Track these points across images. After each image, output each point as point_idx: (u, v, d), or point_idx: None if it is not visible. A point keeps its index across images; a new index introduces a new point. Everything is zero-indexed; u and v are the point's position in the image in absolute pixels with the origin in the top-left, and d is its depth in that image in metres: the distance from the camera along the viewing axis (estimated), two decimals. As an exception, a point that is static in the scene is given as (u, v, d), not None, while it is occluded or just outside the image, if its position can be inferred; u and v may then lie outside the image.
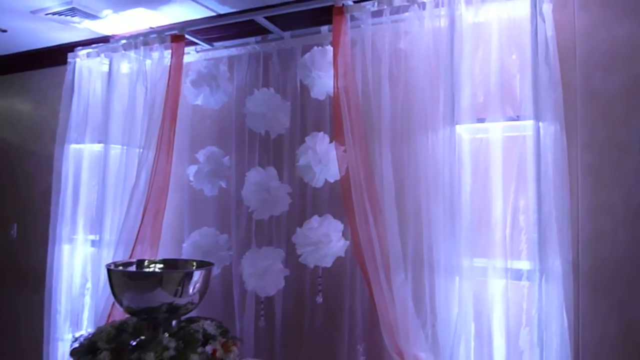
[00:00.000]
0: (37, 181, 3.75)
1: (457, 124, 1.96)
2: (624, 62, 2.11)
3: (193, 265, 1.97)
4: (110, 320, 2.53)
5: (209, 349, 1.64)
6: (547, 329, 1.79)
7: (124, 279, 1.72)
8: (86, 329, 2.82)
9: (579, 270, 2.02)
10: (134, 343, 1.63)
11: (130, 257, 2.56)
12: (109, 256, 2.72)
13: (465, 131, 2.02)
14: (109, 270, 1.74)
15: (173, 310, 1.69)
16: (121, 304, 1.72)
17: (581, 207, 2.08)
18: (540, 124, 1.84)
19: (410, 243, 2.10)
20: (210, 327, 1.76)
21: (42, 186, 3.71)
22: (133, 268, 2.07)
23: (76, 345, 2.36)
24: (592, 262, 2.06)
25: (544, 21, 1.94)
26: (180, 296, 1.68)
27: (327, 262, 2.34)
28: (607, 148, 2.12)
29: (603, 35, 2.14)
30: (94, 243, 2.89)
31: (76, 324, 2.89)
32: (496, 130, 1.97)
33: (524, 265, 1.91)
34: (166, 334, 1.64)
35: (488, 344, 1.91)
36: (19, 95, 3.93)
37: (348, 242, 2.35)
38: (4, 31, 3.30)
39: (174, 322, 1.73)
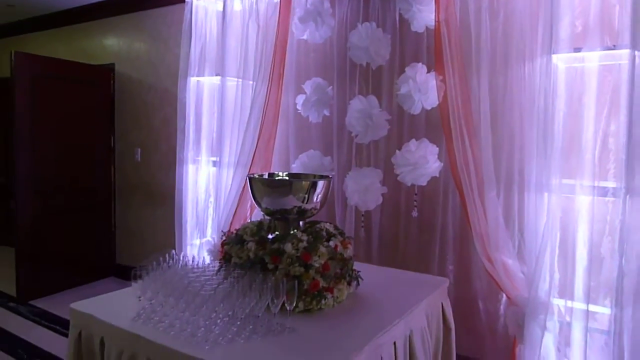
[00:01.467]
0: (156, 111, 4.27)
1: (554, 53, 2.10)
2: None
3: (314, 178, 2.31)
4: (231, 228, 3.04)
5: (332, 243, 2.02)
6: (628, 238, 2.00)
7: (263, 186, 2.11)
8: (210, 235, 3.35)
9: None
10: (271, 237, 2.04)
11: (248, 176, 2.98)
12: (228, 175, 3.18)
13: (561, 60, 2.15)
14: (250, 179, 2.13)
15: (301, 212, 2.07)
16: (260, 206, 2.12)
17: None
18: (637, 52, 1.95)
19: (503, 164, 2.34)
20: (330, 228, 2.13)
21: (160, 115, 4.24)
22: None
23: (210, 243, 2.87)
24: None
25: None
26: (307, 202, 2.05)
27: (423, 182, 2.63)
28: None
29: None
30: (214, 164, 3.34)
31: (202, 232, 3.41)
32: (592, 59, 2.09)
33: (611, 184, 2.10)
34: (297, 231, 2.03)
35: (572, 252, 2.16)
36: (136, 33, 4.39)
37: (442, 164, 2.62)
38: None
39: (301, 223, 2.12)
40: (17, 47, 4.89)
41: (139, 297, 1.84)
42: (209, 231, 3.40)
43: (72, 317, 1.90)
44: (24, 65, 3.92)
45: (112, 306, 1.90)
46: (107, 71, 4.58)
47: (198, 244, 3.40)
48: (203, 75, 3.33)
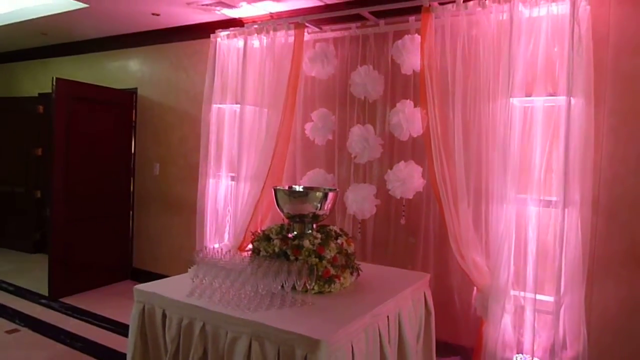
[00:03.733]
0: (174, 130, 4.84)
1: (511, 97, 2.73)
2: (646, 48, 2.79)
3: (324, 191, 2.87)
4: (246, 233, 3.60)
5: (339, 241, 2.58)
6: (566, 240, 2.62)
7: (286, 195, 2.67)
8: (228, 240, 3.90)
9: (598, 202, 2.81)
10: (291, 235, 2.60)
11: (263, 189, 3.56)
12: (245, 188, 3.74)
13: (516, 101, 2.78)
14: (276, 190, 2.70)
15: (315, 217, 2.63)
16: (282, 211, 2.69)
17: (603, 158, 2.84)
18: (571, 98, 2.59)
19: (472, 180, 2.94)
20: (337, 229, 2.70)
21: (179, 134, 4.80)
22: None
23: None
24: (608, 197, 2.85)
25: (580, 20, 2.63)
26: (320, 209, 2.62)
27: (409, 195, 3.24)
28: (629, 114, 2.85)
29: (631, 27, 2.82)
30: (232, 178, 3.90)
31: (221, 236, 3.96)
32: (539, 102, 2.74)
33: (553, 197, 2.72)
34: (312, 231, 2.60)
35: (524, 250, 2.77)
36: (159, 61, 4.97)
37: (425, 181, 3.23)
38: (157, 15, 4.28)
39: (314, 225, 2.68)
40: (42, 69, 5.44)
41: (193, 279, 2.39)
42: (226, 236, 3.95)
43: (136, 295, 2.42)
44: (63, 90, 4.46)
45: (170, 286, 2.45)
46: (130, 94, 5.15)
47: (218, 247, 3.94)
48: (225, 103, 3.91)
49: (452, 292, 3.23)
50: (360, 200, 3.36)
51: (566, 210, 2.63)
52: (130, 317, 2.42)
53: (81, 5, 4.00)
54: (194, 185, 4.11)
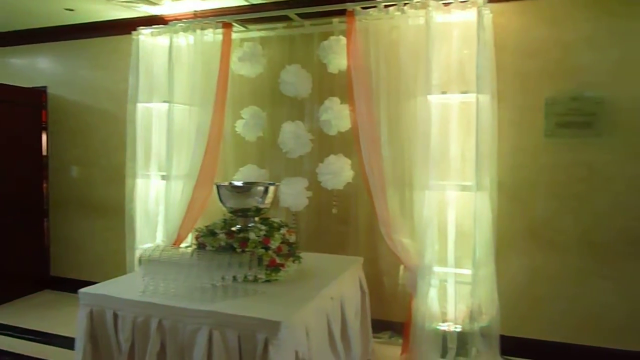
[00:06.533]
0: (95, 131, 4.67)
1: (428, 94, 3.04)
2: (536, 52, 3.25)
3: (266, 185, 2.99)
4: (180, 232, 3.64)
5: (282, 231, 2.73)
6: (479, 220, 2.99)
7: (229, 191, 2.77)
8: (161, 240, 3.88)
9: (502, 185, 3.22)
10: (235, 229, 2.70)
11: (195, 187, 3.60)
12: (177, 187, 3.75)
13: (434, 99, 3.10)
14: (218, 186, 2.78)
15: (257, 210, 2.76)
16: (225, 206, 2.78)
17: (506, 147, 3.27)
18: (479, 95, 2.96)
19: (398, 170, 3.20)
20: (278, 221, 2.85)
21: (100, 135, 4.65)
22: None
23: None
24: (510, 181, 3.30)
25: (485, 26, 3.00)
26: (262, 203, 2.75)
27: (340, 186, 3.48)
28: (525, 109, 3.30)
29: (526, 34, 3.27)
30: (163, 177, 3.87)
31: (152, 236, 3.92)
32: (454, 99, 3.10)
33: (468, 183, 3.08)
34: (256, 224, 2.72)
35: (445, 230, 3.12)
36: (73, 58, 4.75)
37: (354, 172, 3.48)
38: (71, 10, 4.11)
39: (256, 219, 2.80)
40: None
41: (143, 277, 2.42)
42: (157, 236, 3.93)
43: (82, 299, 2.40)
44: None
45: (120, 287, 2.47)
46: (38, 93, 4.85)
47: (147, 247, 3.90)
48: (151, 102, 3.87)
49: (381, 275, 3.53)
50: (294, 194, 3.54)
51: (478, 194, 3.00)
52: (65, 325, 2.39)
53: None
54: (120, 186, 4.02)
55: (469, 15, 3.03)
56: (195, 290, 2.31)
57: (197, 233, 2.80)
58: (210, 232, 2.74)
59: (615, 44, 3.12)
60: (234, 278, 2.38)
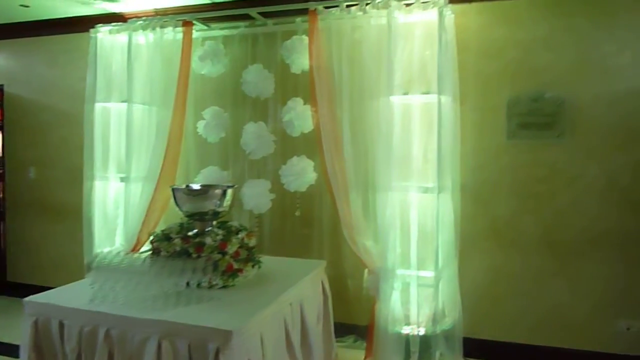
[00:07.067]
0: (53, 130, 4.51)
1: (391, 95, 3.01)
2: (497, 53, 3.25)
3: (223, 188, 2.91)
4: (140, 236, 3.54)
5: (240, 235, 2.66)
6: (441, 222, 2.98)
7: (185, 194, 2.68)
8: (120, 244, 3.77)
9: (465, 186, 3.22)
10: (192, 233, 2.62)
11: (156, 189, 3.50)
12: (137, 189, 3.64)
13: (396, 99, 3.07)
14: (174, 189, 2.69)
15: (215, 214, 2.68)
16: (181, 210, 2.69)
17: (468, 148, 3.26)
18: (441, 96, 2.95)
19: (360, 172, 3.16)
20: (237, 224, 2.77)
21: (58, 134, 4.49)
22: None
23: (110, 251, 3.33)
24: (473, 182, 3.29)
25: (446, 27, 2.99)
26: (220, 206, 2.67)
27: (303, 188, 3.42)
28: (487, 110, 3.30)
29: (487, 35, 3.27)
30: (122, 179, 3.76)
31: (111, 240, 3.81)
32: (415, 100, 3.07)
33: (430, 184, 3.06)
34: (213, 228, 2.64)
35: (407, 232, 3.10)
36: (34, 57, 4.58)
37: (317, 174, 3.42)
38: (27, 7, 3.95)
39: (214, 222, 2.73)
40: None
41: (92, 285, 2.32)
42: (117, 239, 3.81)
43: (27, 308, 2.29)
44: None
45: (67, 295, 2.36)
46: (-7, 91, 4.67)
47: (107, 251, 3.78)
48: (109, 101, 3.75)
49: (345, 277, 3.49)
50: (257, 196, 3.47)
51: (440, 195, 2.99)
52: (18, 333, 2.29)
53: None
54: (79, 188, 3.87)
55: (431, 15, 3.01)
56: (146, 298, 2.23)
57: (152, 237, 2.71)
58: (166, 237, 2.65)
59: (572, 44, 3.14)
60: (187, 284, 2.30)
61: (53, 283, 3.38)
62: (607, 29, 3.09)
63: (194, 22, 3.54)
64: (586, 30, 3.12)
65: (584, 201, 3.16)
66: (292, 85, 3.53)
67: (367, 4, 3.07)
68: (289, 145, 3.57)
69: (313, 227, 3.56)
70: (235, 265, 2.54)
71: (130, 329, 2.08)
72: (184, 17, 3.53)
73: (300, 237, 3.63)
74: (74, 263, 4.22)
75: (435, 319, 3.05)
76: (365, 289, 3.22)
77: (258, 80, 3.44)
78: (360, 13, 3.12)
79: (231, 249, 2.55)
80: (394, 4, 3.00)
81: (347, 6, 3.13)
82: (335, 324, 3.15)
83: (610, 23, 3.08)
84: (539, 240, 3.25)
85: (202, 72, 3.65)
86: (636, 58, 3.05)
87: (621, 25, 3.07)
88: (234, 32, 3.69)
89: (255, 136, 3.45)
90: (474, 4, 3.27)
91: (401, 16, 3.07)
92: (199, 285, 2.35)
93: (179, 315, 2.10)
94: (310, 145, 3.42)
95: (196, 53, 3.60)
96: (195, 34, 3.67)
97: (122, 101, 3.70)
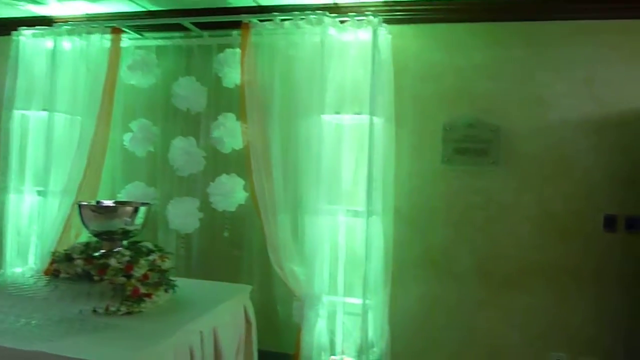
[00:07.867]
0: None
1: (322, 114, 2.91)
2: (435, 77, 3.21)
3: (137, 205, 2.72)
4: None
5: (151, 257, 2.46)
6: (372, 246, 2.86)
7: (91, 211, 2.47)
8: (34, 262, 3.48)
9: (399, 211, 3.12)
10: (97, 254, 2.41)
11: (73, 204, 3.26)
12: (54, 203, 3.39)
13: (327, 118, 2.97)
14: (80, 205, 2.48)
15: (125, 233, 2.47)
16: (88, 228, 2.48)
17: (404, 172, 3.18)
18: (374, 118, 2.86)
19: (290, 193, 3.04)
20: (150, 246, 2.57)
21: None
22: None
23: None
24: (408, 206, 3.20)
25: (380, 47, 2.92)
26: (130, 224, 2.48)
27: (232, 207, 3.26)
28: (423, 134, 3.23)
29: (426, 58, 3.23)
30: (40, 193, 3.50)
31: (24, 258, 3.52)
32: (347, 120, 2.97)
33: (359, 207, 2.95)
34: (121, 248, 2.44)
35: (336, 257, 2.96)
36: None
37: (247, 194, 3.26)
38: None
39: (125, 242, 2.52)
40: None
41: (-30, 310, 2.07)
42: (31, 258, 3.53)
43: None
44: None
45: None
46: None
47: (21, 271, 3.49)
48: (29, 109, 3.51)
49: (275, 302, 3.30)
50: (183, 215, 3.28)
51: (370, 219, 2.87)
52: None
53: None
54: (-7, 201, 3.59)
55: (365, 35, 2.94)
56: (34, 326, 1.99)
57: (52, 257, 2.48)
58: (67, 257, 2.42)
59: (506, 73, 3.13)
60: (80, 312, 2.08)
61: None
62: (542, 60, 3.09)
63: (124, 29, 3.36)
64: (522, 59, 3.12)
65: (517, 230, 3.11)
66: (226, 100, 3.38)
67: (301, 19, 2.98)
68: (220, 163, 3.40)
69: (243, 249, 3.38)
70: (143, 290, 2.33)
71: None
72: (113, 23, 3.35)
73: (229, 259, 3.44)
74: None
75: (362, 349, 2.90)
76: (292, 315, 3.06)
77: (189, 93, 3.28)
78: (294, 28, 3.03)
79: (138, 271, 2.35)
80: (327, 20, 2.91)
81: (281, 20, 3.03)
82: (263, 353, 2.95)
83: (546, 54, 3.09)
84: (474, 270, 3.17)
85: (132, 82, 3.47)
86: (570, 89, 3.06)
87: (556, 57, 3.07)
88: (169, 42, 3.53)
89: (184, 152, 3.27)
90: (411, 26, 3.23)
91: (335, 34, 2.99)
92: (94, 311, 2.13)
93: (62, 346, 1.87)
94: (242, 162, 3.26)
95: (125, 62, 3.41)
96: (127, 43, 3.51)
97: (43, 109, 3.46)
